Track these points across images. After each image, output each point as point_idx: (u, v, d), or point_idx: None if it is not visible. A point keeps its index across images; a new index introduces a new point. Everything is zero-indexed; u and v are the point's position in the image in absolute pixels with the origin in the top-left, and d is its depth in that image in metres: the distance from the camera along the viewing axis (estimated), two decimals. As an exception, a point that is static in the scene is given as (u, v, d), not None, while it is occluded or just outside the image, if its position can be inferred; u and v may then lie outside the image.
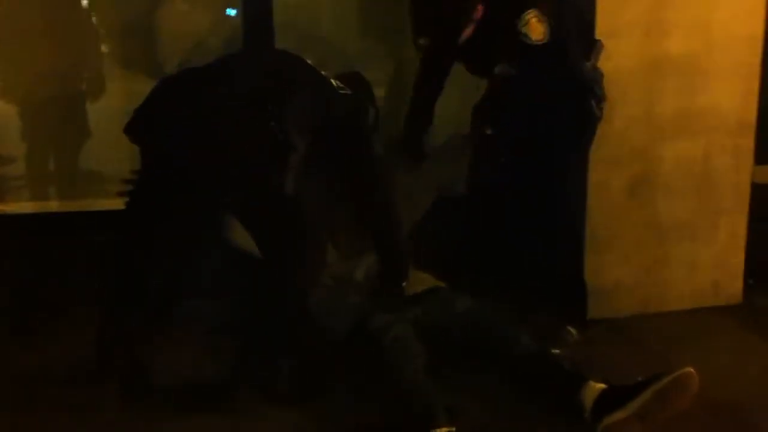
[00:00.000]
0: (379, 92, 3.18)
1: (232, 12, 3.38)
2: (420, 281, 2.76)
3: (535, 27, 2.61)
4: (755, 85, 3.15)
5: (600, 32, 2.87)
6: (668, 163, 3.12)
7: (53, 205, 3.77)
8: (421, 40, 2.76)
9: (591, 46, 2.77)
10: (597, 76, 2.75)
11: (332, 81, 2.54)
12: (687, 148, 3.12)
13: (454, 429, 2.14)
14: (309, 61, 2.59)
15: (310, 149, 2.40)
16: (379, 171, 2.63)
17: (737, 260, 3.29)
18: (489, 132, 2.77)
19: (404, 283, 2.67)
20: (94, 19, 3.89)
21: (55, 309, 2.96)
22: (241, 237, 2.63)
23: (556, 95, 2.65)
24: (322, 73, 2.55)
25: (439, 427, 2.15)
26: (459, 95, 3.07)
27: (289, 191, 2.35)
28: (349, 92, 2.56)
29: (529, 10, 2.61)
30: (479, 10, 2.69)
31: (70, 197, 3.82)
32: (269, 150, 2.34)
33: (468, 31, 2.72)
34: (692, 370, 2.16)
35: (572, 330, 2.85)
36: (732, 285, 3.28)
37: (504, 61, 2.67)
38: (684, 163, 3.14)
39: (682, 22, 3.03)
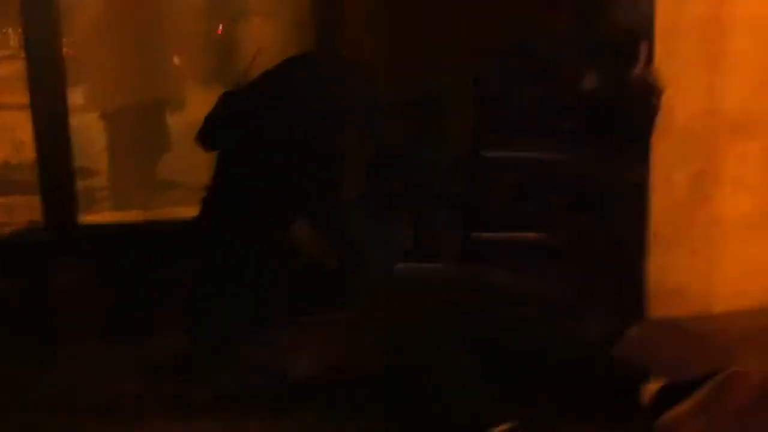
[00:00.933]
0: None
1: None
2: None
3: None
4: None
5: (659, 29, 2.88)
6: (732, 160, 3.09)
7: (135, 215, 3.87)
8: None
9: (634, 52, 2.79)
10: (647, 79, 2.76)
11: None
12: (751, 144, 3.09)
13: (515, 425, 2.16)
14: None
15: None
16: None
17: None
18: None
19: None
20: (173, 30, 4.04)
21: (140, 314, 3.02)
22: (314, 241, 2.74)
23: None
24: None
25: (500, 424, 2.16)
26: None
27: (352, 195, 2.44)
28: None
29: None
30: None
31: (151, 207, 3.96)
32: (333, 156, 2.43)
33: None
34: (751, 369, 2.16)
35: (632, 329, 2.86)
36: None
37: None
38: (749, 159, 3.10)
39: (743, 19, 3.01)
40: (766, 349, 2.78)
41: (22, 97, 3.08)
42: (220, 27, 4.14)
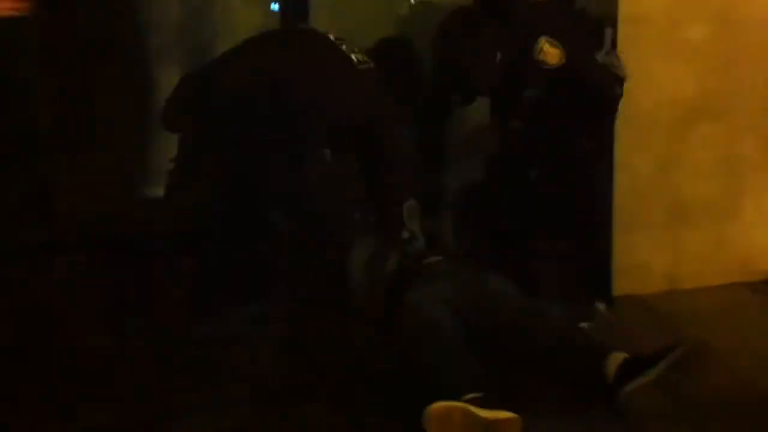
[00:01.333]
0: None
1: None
2: None
3: (550, 52, 2.75)
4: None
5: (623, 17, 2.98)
6: (694, 145, 3.20)
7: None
8: (454, 98, 2.91)
9: (600, 35, 2.89)
10: (613, 60, 2.85)
11: (353, 56, 2.66)
12: (713, 129, 3.20)
13: (480, 395, 2.20)
14: (332, 37, 2.69)
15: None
16: (394, 135, 2.74)
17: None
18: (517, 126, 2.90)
19: (404, 233, 2.75)
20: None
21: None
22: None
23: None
24: (342, 47, 2.66)
25: (467, 393, 2.20)
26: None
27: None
28: (369, 66, 2.69)
29: (540, 39, 2.74)
30: (497, 56, 2.78)
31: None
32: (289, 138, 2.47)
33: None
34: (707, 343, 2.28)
35: (600, 305, 2.97)
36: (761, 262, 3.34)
37: (531, 86, 2.82)
38: (709, 144, 3.21)
39: (704, 7, 3.11)
40: (728, 326, 2.90)
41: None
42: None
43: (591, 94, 2.81)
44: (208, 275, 2.73)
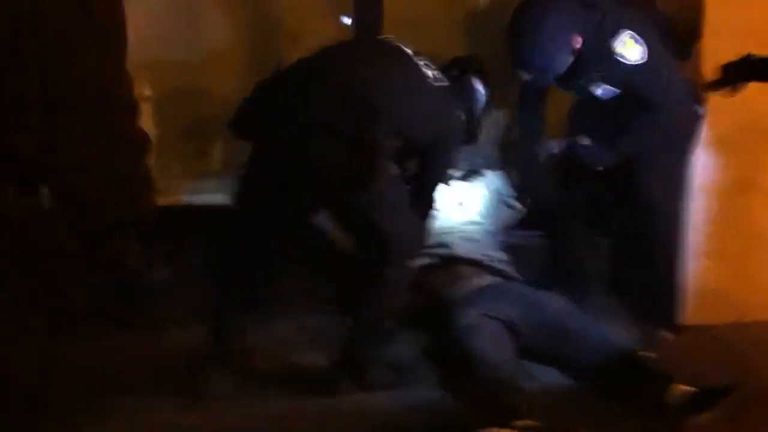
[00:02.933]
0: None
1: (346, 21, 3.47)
2: None
3: (632, 47, 2.67)
4: None
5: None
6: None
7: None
8: (521, 74, 2.80)
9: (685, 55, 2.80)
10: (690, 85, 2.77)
11: (429, 71, 2.61)
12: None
13: (537, 424, 2.16)
14: (409, 50, 2.63)
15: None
16: (447, 167, 2.76)
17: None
18: (586, 142, 2.86)
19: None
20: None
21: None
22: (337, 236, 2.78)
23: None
24: (420, 62, 2.61)
25: (523, 419, 2.16)
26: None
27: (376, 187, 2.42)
28: (444, 84, 2.65)
29: (625, 30, 2.67)
30: (578, 41, 2.71)
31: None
32: (359, 149, 2.40)
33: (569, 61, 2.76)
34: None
35: (666, 334, 2.85)
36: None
37: (603, 83, 2.76)
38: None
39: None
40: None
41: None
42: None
43: (660, 102, 2.73)
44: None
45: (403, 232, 2.49)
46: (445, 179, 2.88)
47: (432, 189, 2.76)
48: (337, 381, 2.51)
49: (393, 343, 2.65)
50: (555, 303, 2.70)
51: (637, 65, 2.68)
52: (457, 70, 2.88)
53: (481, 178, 3.28)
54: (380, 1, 3.23)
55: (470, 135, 2.91)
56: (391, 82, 2.52)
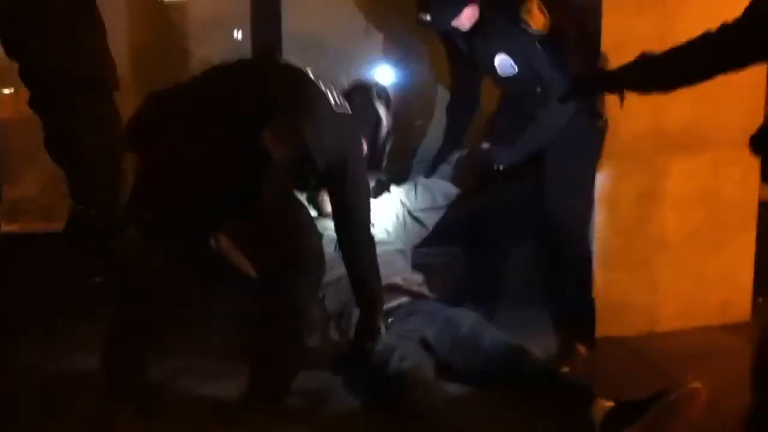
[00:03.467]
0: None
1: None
2: None
3: (537, 16, 2.65)
4: (761, 99, 3.13)
5: (606, 45, 2.88)
6: (676, 178, 3.11)
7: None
8: (422, 15, 2.73)
9: (595, 59, 2.79)
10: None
11: (332, 97, 2.45)
12: (694, 162, 3.11)
13: None
14: (310, 73, 2.48)
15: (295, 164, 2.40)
16: (363, 200, 2.54)
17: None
18: (485, 146, 2.87)
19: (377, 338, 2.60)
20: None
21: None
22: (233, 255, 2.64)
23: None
24: (322, 88, 2.45)
25: None
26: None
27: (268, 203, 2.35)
28: (347, 112, 2.49)
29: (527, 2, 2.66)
30: None
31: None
32: (249, 164, 2.31)
33: (470, 12, 2.74)
34: (699, 385, 2.13)
35: (581, 347, 2.83)
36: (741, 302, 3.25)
37: (505, 53, 2.74)
38: (692, 177, 3.12)
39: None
40: (709, 368, 2.76)
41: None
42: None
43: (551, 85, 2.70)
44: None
45: (301, 250, 2.41)
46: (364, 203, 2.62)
47: (352, 212, 2.53)
48: (247, 410, 2.37)
49: (309, 368, 2.55)
50: (468, 319, 2.65)
51: (539, 35, 2.67)
52: (360, 95, 2.72)
53: (387, 194, 3.17)
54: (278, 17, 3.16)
55: (375, 164, 2.78)
56: (289, 103, 2.39)
